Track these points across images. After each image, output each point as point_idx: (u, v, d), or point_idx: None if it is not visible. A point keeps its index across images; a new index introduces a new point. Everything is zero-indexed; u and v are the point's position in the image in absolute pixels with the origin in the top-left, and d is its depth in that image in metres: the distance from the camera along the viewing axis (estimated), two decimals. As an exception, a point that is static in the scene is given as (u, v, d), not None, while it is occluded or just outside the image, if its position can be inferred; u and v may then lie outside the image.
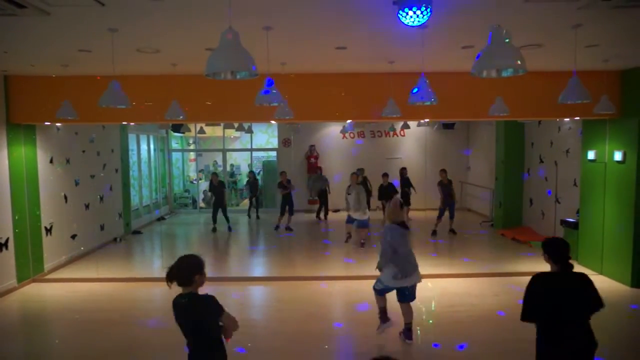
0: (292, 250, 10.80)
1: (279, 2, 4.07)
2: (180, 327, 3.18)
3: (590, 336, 3.40)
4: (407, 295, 5.50)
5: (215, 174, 13.19)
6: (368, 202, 12.06)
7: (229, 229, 12.78)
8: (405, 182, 13.43)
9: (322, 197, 14.38)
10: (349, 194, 10.64)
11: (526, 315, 3.43)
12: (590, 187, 8.65)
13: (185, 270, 3.09)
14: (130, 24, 4.70)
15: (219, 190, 12.78)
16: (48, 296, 7.68)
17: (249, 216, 15.06)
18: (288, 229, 12.69)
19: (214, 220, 12.84)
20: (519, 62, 3.03)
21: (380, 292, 5.59)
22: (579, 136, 9.33)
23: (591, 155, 8.56)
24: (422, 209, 14.50)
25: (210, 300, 3.10)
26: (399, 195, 11.74)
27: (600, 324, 6.22)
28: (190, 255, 3.18)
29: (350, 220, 10.75)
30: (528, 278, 3.50)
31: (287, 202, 12.81)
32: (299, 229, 13.00)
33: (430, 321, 6.36)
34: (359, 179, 11.33)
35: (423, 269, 8.98)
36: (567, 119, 9.63)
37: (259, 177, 17.68)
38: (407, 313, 5.56)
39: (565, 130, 10.30)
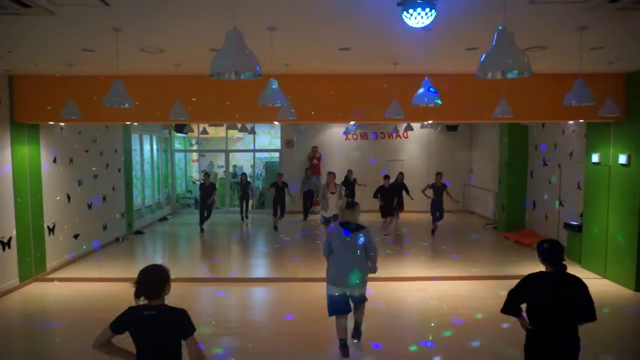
0: (291, 252, 10.76)
1: (284, 2, 4.07)
2: (138, 344, 2.90)
3: (576, 342, 3.41)
4: (354, 300, 5.28)
5: (207, 174, 13.32)
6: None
7: (201, 229, 12.85)
8: (401, 187, 13.28)
9: (308, 198, 14.48)
10: (332, 193, 9.97)
11: (507, 308, 3.56)
12: (594, 190, 8.61)
13: (156, 283, 2.89)
14: (135, 23, 4.70)
15: (209, 191, 12.84)
16: (50, 295, 7.68)
17: (243, 218, 14.75)
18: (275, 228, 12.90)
19: (202, 221, 12.89)
20: (524, 63, 3.01)
21: (330, 312, 5.25)
22: (583, 139, 9.30)
23: (595, 158, 8.52)
24: (425, 211, 14.44)
25: (184, 314, 2.89)
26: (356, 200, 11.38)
27: (604, 328, 6.24)
28: (156, 265, 2.99)
29: (326, 221, 10.14)
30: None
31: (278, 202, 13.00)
32: (297, 230, 12.98)
33: (433, 324, 6.33)
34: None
35: (425, 271, 9.12)
36: (571, 122, 9.59)
37: (259, 179, 17.67)
38: (358, 312, 5.47)
39: (569, 132, 10.26)
